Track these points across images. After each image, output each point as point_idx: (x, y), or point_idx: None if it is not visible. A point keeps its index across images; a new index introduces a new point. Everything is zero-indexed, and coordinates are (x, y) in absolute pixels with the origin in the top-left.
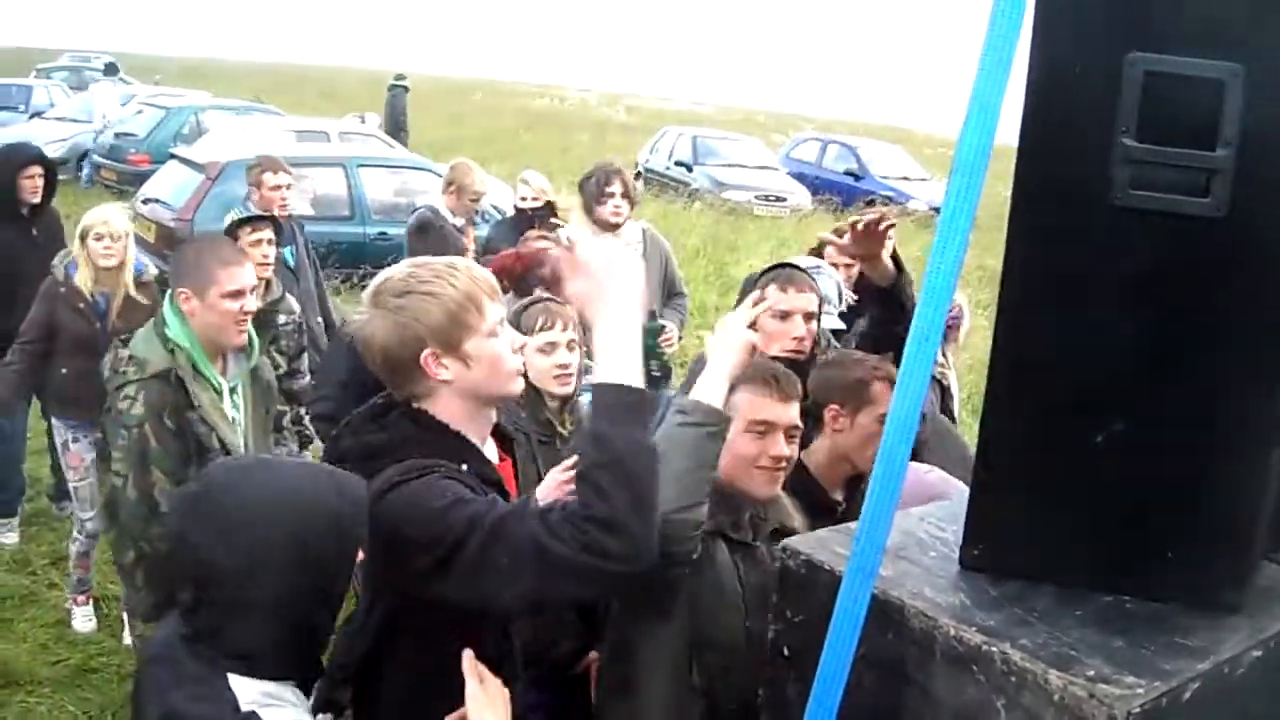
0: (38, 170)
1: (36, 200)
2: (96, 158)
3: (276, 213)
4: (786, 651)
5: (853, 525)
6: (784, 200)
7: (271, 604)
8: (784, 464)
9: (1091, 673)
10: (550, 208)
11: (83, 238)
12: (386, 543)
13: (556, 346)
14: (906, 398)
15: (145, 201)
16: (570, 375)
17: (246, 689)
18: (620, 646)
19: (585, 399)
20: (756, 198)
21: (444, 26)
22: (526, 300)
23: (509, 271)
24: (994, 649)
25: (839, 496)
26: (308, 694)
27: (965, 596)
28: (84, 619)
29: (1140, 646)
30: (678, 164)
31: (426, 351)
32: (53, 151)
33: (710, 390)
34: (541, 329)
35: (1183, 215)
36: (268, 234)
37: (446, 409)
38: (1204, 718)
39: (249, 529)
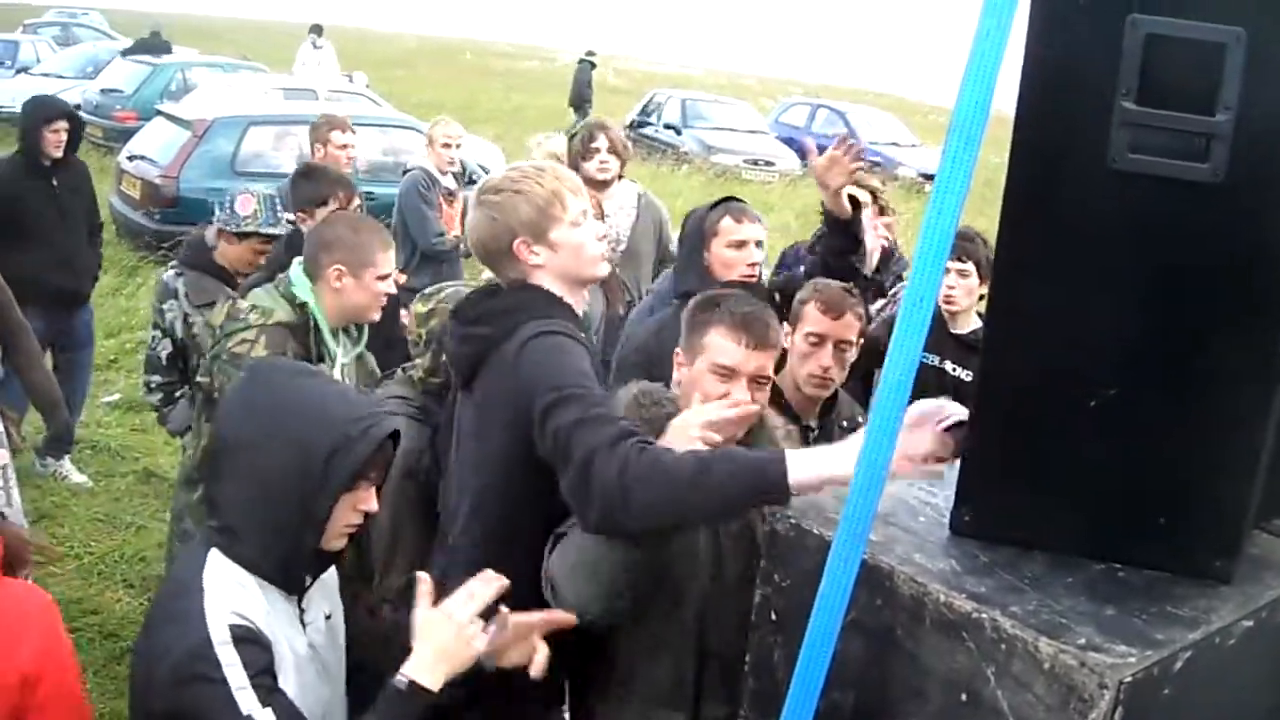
0: (63, 125)
1: (59, 154)
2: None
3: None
4: (774, 616)
5: (843, 489)
6: (773, 164)
7: (260, 485)
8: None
9: (1083, 641)
10: None
11: None
12: (525, 378)
13: None
14: (900, 361)
15: (131, 158)
16: None
17: (218, 565)
18: None
19: None
20: (745, 161)
21: None
22: None
23: None
24: (984, 616)
25: (811, 422)
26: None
27: (955, 563)
28: None
29: (1132, 615)
30: (667, 127)
31: (518, 240)
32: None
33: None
34: None
35: (1181, 180)
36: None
37: (548, 287)
38: (1195, 687)
39: (270, 409)
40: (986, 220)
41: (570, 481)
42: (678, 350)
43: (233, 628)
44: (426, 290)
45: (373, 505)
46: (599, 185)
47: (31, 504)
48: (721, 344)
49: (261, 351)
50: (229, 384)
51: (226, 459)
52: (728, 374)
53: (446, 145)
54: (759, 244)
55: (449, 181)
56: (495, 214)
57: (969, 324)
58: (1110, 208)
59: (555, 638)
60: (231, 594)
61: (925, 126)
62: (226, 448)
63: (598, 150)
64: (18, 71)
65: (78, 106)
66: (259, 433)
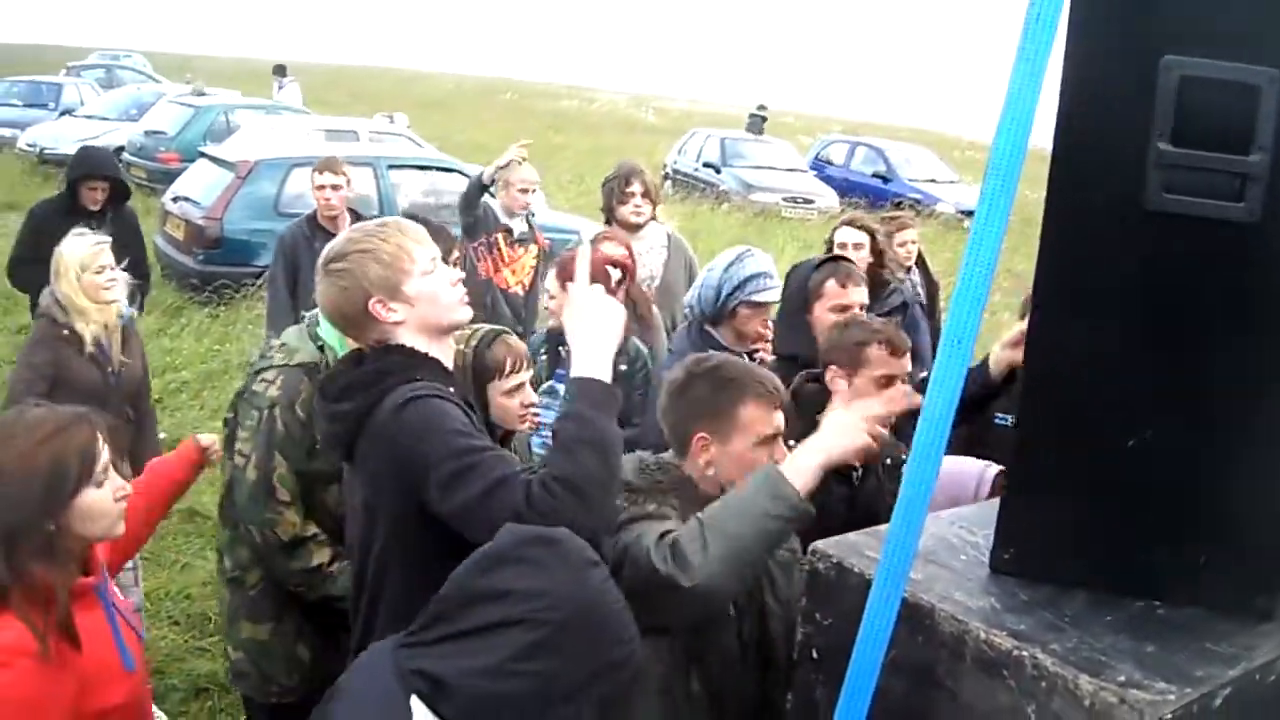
0: (101, 185)
1: (95, 208)
2: (129, 156)
3: (322, 213)
4: (815, 654)
5: (883, 528)
6: (812, 202)
7: (494, 662)
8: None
9: (1123, 678)
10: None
11: (83, 270)
12: (406, 450)
13: (522, 388)
14: (940, 401)
15: (175, 200)
16: (536, 414)
17: (425, 717)
18: None
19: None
20: (784, 199)
21: (473, 26)
22: (484, 337)
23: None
24: (1025, 654)
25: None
26: None
27: (996, 600)
28: None
29: (1172, 652)
30: (706, 165)
31: (373, 300)
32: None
33: (803, 472)
34: (510, 372)
35: (1216, 220)
36: None
37: (412, 343)
38: None
39: (549, 595)
40: (1023, 258)
41: None
42: (701, 434)
43: None
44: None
45: None
46: (632, 228)
47: None
48: (760, 415)
49: (276, 392)
50: (246, 422)
51: (476, 612)
52: (770, 441)
53: (524, 190)
54: (862, 307)
55: (513, 223)
56: (345, 281)
57: None
58: (1146, 248)
59: None
60: None
61: (963, 162)
62: (481, 599)
63: (633, 195)
64: (61, 114)
65: (121, 148)
66: (532, 609)
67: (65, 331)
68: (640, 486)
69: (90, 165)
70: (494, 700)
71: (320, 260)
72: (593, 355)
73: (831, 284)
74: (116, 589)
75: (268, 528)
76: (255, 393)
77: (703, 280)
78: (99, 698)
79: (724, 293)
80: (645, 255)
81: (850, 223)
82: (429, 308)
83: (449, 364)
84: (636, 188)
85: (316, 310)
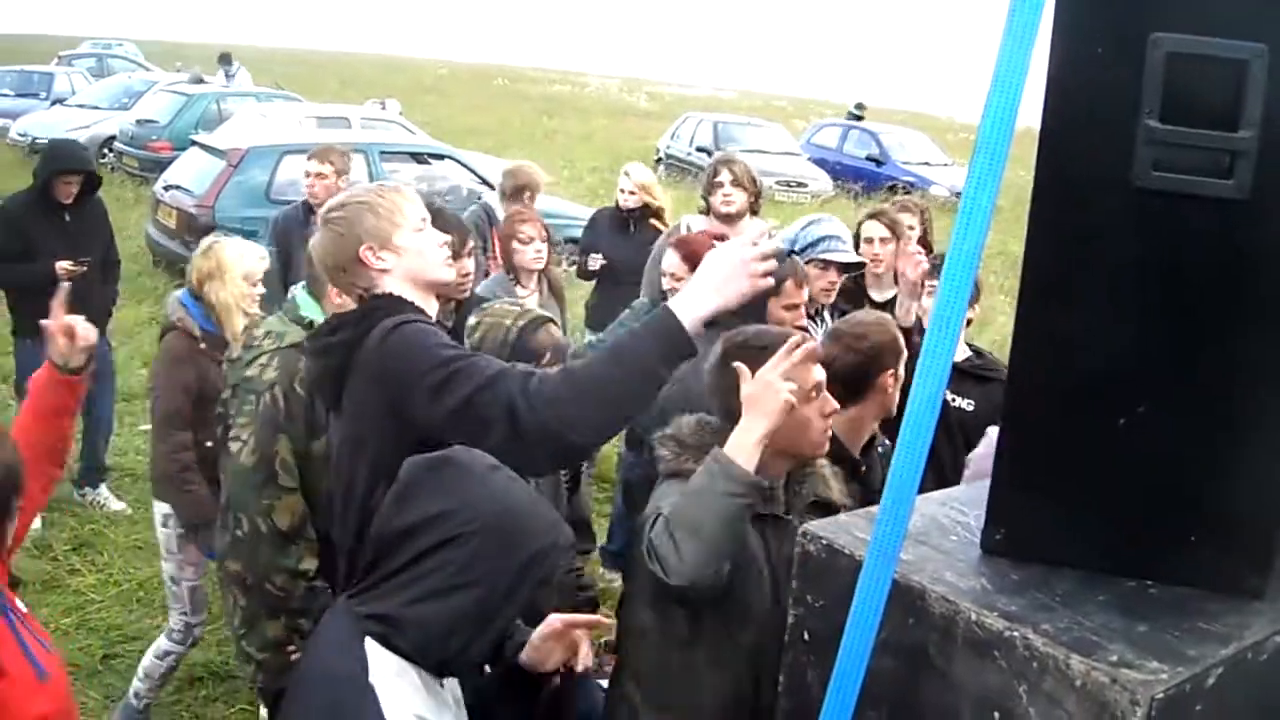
0: (76, 180)
1: (68, 202)
2: (121, 145)
3: (311, 201)
4: (807, 636)
5: (874, 509)
6: (805, 186)
7: (433, 586)
8: (832, 414)
9: (1114, 658)
10: (647, 209)
11: (244, 279)
12: (394, 368)
13: None
14: (929, 382)
15: (167, 188)
16: None
17: (381, 656)
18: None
19: None
20: (778, 183)
21: (464, 11)
22: (533, 320)
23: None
24: (1016, 634)
25: (858, 456)
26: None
27: (987, 581)
28: None
29: (1163, 632)
30: (699, 150)
31: (364, 247)
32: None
33: (745, 451)
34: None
35: (1206, 197)
36: None
37: (399, 292)
38: (1228, 703)
39: (462, 510)
40: (1017, 240)
41: (501, 438)
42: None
43: None
44: (482, 305)
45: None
46: (726, 219)
47: (70, 532)
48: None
49: (272, 374)
50: (244, 408)
51: (404, 547)
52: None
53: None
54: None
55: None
56: (341, 229)
57: (960, 351)
58: (1135, 226)
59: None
60: (403, 694)
61: (956, 145)
62: (405, 534)
63: (720, 185)
64: (53, 103)
65: (113, 137)
66: (452, 528)
67: (202, 345)
68: (688, 442)
69: (65, 160)
70: (444, 621)
71: (320, 214)
72: (694, 301)
73: (790, 284)
74: (21, 603)
75: (264, 515)
76: (249, 378)
77: (778, 238)
78: (14, 712)
79: (796, 250)
80: None
81: (875, 216)
82: (416, 260)
83: (433, 316)
84: (725, 177)
85: (294, 294)
